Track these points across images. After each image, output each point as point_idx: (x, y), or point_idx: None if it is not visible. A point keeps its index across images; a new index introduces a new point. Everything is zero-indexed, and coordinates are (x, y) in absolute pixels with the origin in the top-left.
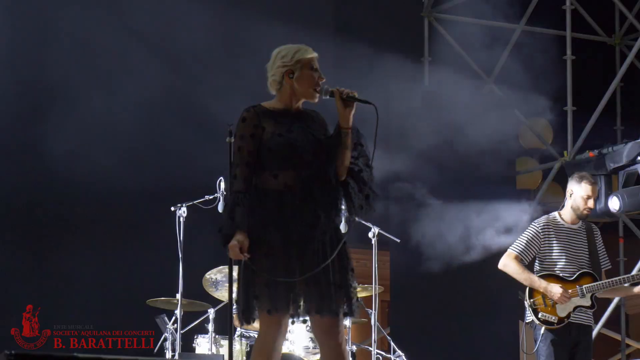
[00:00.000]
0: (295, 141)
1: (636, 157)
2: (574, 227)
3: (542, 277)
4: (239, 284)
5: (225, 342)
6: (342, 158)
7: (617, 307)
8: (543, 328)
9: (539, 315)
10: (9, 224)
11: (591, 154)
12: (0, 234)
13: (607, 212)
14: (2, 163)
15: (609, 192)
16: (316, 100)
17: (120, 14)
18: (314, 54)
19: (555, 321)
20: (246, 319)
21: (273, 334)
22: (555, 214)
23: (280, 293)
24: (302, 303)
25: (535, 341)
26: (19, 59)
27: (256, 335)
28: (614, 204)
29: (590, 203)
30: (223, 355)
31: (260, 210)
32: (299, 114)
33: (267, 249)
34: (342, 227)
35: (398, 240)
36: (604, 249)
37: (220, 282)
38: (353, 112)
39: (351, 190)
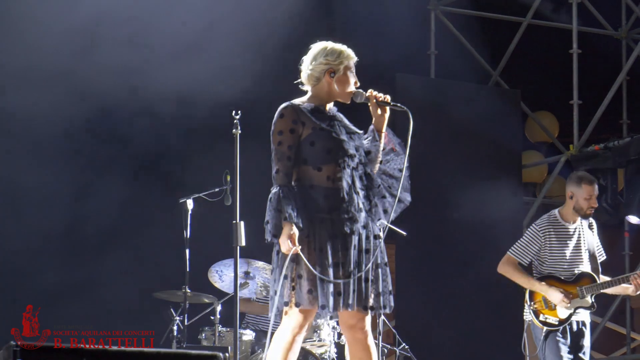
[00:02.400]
0: (337, 135)
1: None
2: (574, 226)
3: (542, 278)
4: (280, 276)
5: (230, 334)
6: (376, 159)
7: (623, 301)
8: (544, 329)
9: (540, 317)
10: (9, 225)
11: (597, 147)
12: (0, 233)
13: (613, 205)
14: (2, 158)
15: (614, 186)
16: (349, 102)
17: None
18: (356, 58)
19: (556, 323)
20: (283, 311)
21: (296, 327)
22: (556, 213)
23: (323, 287)
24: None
25: (536, 340)
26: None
27: (261, 328)
28: (634, 220)
29: (593, 202)
30: (228, 347)
31: (307, 205)
32: (331, 112)
33: (318, 243)
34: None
35: (405, 234)
36: (599, 242)
37: (226, 274)
38: (387, 115)
39: (378, 193)
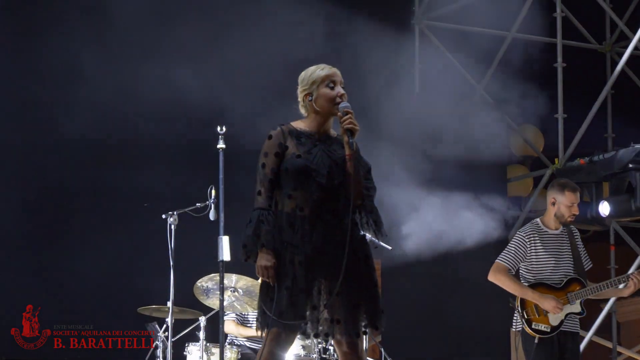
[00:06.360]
0: (310, 163)
1: (627, 164)
2: (557, 232)
3: (531, 286)
4: (261, 295)
5: (216, 350)
6: (350, 183)
7: (609, 315)
8: (537, 338)
9: (533, 326)
10: (9, 225)
11: (582, 161)
12: (0, 234)
13: (597, 218)
14: (2, 165)
15: (600, 199)
16: (338, 113)
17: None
18: (331, 71)
19: (549, 330)
20: (262, 327)
21: (277, 347)
22: (538, 221)
23: (295, 311)
24: (314, 324)
25: (526, 350)
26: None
27: (247, 344)
28: (604, 208)
29: (575, 209)
30: None
31: (276, 229)
32: (325, 136)
33: (281, 268)
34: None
35: (390, 248)
36: (585, 249)
37: (211, 290)
38: (347, 140)
39: (358, 218)
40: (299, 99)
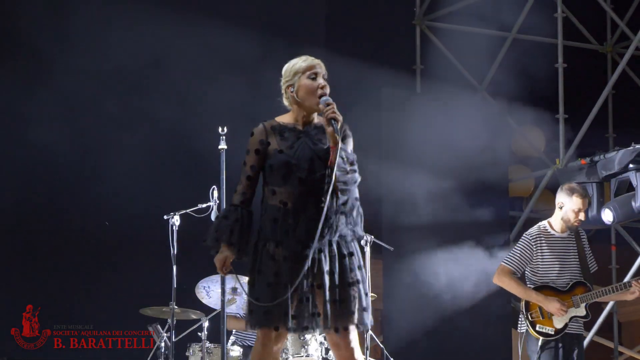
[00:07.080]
0: (292, 158)
1: (628, 164)
2: (564, 235)
3: (536, 288)
4: (247, 295)
5: (218, 350)
6: (331, 177)
7: (610, 315)
8: (540, 340)
9: (537, 328)
10: (10, 227)
11: (583, 161)
12: (0, 235)
13: (599, 220)
14: (2, 166)
15: (601, 199)
16: (320, 105)
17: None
18: (313, 62)
19: (553, 332)
20: (252, 326)
21: (268, 343)
22: (546, 223)
23: (276, 307)
24: (296, 319)
25: (530, 352)
26: None
27: (248, 344)
28: (607, 216)
29: (582, 216)
30: None
31: (261, 226)
32: (308, 128)
33: (258, 265)
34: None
35: (391, 249)
36: (590, 252)
37: (213, 290)
38: (330, 130)
39: (343, 210)
40: (282, 91)
